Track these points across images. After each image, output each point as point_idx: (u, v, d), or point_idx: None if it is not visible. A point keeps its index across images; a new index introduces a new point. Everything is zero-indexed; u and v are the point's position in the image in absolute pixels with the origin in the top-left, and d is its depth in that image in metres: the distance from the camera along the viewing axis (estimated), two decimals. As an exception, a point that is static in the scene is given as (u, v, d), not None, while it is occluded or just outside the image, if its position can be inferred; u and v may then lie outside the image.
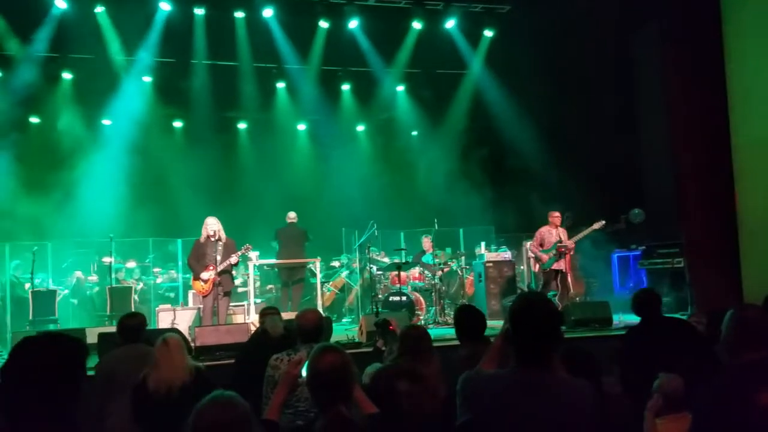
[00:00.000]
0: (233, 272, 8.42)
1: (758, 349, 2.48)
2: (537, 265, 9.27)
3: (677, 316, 7.11)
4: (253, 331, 6.36)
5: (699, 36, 7.97)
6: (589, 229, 8.80)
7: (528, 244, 9.81)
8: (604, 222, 8.79)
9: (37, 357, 2.18)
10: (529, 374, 2.11)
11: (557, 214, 8.97)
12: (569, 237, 8.90)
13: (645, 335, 4.37)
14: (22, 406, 2.09)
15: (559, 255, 8.76)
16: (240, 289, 10.26)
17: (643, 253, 10.30)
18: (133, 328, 4.50)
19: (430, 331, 4.31)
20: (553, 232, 8.89)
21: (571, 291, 9.10)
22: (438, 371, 3.61)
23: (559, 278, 8.80)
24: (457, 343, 4.29)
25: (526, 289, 10.14)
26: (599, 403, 2.20)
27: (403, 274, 9.52)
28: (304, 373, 2.72)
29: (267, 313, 5.21)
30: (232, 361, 5.62)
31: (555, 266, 8.78)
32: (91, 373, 4.42)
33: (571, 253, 8.93)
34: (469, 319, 4.11)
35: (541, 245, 8.93)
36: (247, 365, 4.71)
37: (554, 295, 8.75)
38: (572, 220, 9.56)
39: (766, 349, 2.48)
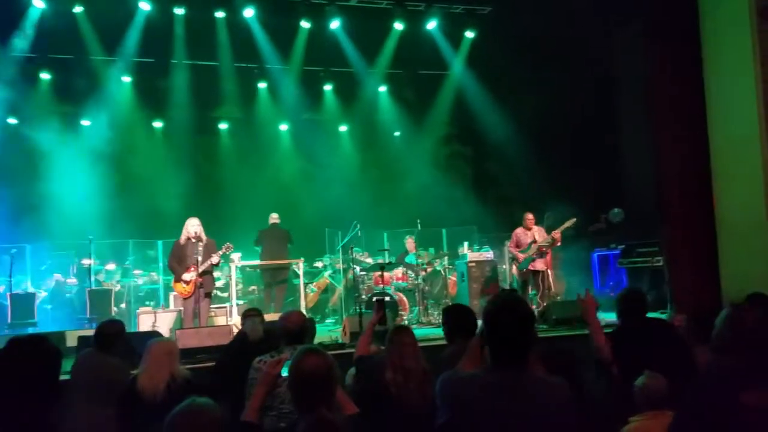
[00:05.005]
0: (215, 273, 8.36)
1: (749, 351, 2.51)
2: (514, 266, 9.35)
3: (656, 314, 7.21)
4: (235, 334, 6.34)
5: (680, 35, 8.04)
6: (562, 227, 8.86)
7: (508, 244, 9.88)
8: (575, 219, 8.87)
9: (17, 360, 2.19)
10: (503, 374, 2.12)
11: (530, 216, 9.08)
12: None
13: (630, 336, 4.33)
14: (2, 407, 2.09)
15: (540, 254, 8.83)
16: (221, 293, 10.19)
17: (622, 252, 10.36)
18: (105, 335, 4.35)
19: (413, 331, 4.26)
20: (528, 233, 8.99)
21: (552, 290, 9.16)
22: (424, 369, 3.58)
23: (540, 277, 8.86)
24: (441, 342, 4.29)
25: (507, 288, 10.18)
26: (576, 400, 2.21)
27: (386, 274, 9.52)
28: (285, 372, 2.70)
29: (248, 315, 5.12)
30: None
31: (535, 266, 8.84)
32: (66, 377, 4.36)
33: (558, 244, 8.98)
34: (456, 317, 4.09)
35: (518, 246, 9.02)
36: (226, 368, 4.68)
37: (535, 295, 8.81)
38: (553, 219, 9.62)
39: (756, 351, 2.51)
